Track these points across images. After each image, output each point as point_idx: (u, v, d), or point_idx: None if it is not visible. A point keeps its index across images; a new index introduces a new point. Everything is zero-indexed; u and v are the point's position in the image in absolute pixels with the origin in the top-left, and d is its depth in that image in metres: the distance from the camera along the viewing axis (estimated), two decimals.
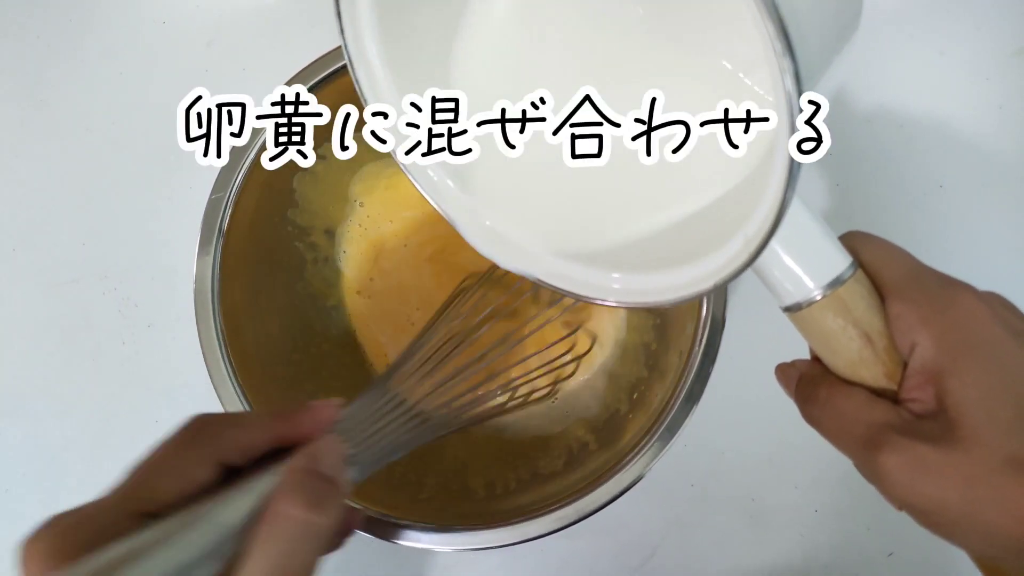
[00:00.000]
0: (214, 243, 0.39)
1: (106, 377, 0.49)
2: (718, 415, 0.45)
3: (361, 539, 0.38)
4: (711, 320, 0.38)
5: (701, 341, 0.38)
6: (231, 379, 0.38)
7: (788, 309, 0.26)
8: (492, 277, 0.43)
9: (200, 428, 0.24)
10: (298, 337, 0.46)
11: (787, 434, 0.46)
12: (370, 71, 0.30)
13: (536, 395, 0.45)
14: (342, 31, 0.28)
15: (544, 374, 0.45)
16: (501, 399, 0.43)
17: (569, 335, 0.45)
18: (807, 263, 0.24)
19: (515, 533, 0.37)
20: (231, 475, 0.24)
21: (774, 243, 0.23)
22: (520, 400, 0.44)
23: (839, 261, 0.24)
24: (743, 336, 0.43)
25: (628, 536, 0.47)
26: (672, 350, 0.41)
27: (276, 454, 0.25)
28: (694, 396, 0.38)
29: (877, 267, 0.25)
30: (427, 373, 0.33)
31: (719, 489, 0.47)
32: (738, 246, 0.22)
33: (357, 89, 0.30)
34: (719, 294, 0.39)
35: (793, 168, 0.20)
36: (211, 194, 0.39)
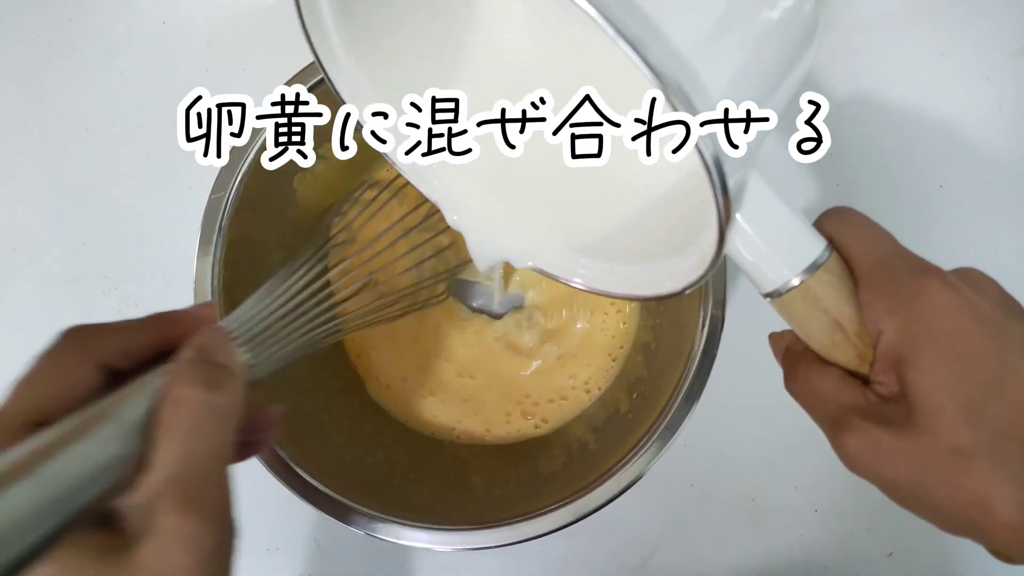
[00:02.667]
0: (214, 243, 0.39)
1: None
2: (718, 415, 0.45)
3: (361, 539, 0.38)
4: (711, 320, 0.38)
5: (701, 341, 0.38)
6: None
7: (767, 295, 0.26)
8: (393, 186, 0.43)
9: (75, 334, 0.24)
10: None
11: (787, 434, 0.46)
12: (349, 81, 0.31)
13: (433, 300, 0.45)
14: (312, 45, 0.29)
15: (440, 281, 0.45)
16: (394, 304, 0.42)
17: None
18: (778, 255, 0.25)
19: (515, 533, 0.37)
20: (118, 381, 0.23)
21: (750, 232, 0.25)
22: (417, 304, 0.44)
23: (811, 251, 0.25)
24: (743, 336, 0.43)
25: (628, 536, 0.47)
26: (672, 350, 0.41)
27: (162, 360, 0.24)
28: (694, 396, 0.38)
29: (850, 251, 0.25)
30: (315, 277, 0.32)
31: (719, 489, 0.47)
32: (695, 259, 0.24)
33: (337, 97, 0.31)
34: (719, 293, 0.39)
35: (719, 205, 0.21)
36: (211, 194, 0.39)
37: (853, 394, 0.25)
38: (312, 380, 0.45)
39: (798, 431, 0.47)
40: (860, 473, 0.24)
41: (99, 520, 0.21)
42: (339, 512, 0.38)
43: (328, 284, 0.34)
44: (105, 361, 0.23)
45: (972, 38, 0.50)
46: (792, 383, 0.27)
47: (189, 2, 0.52)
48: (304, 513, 0.47)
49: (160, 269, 0.50)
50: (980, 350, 0.22)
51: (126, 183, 0.51)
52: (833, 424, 0.25)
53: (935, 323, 0.22)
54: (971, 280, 0.24)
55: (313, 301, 0.31)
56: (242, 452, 0.26)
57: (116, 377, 0.23)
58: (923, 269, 0.24)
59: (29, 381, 0.23)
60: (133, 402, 0.22)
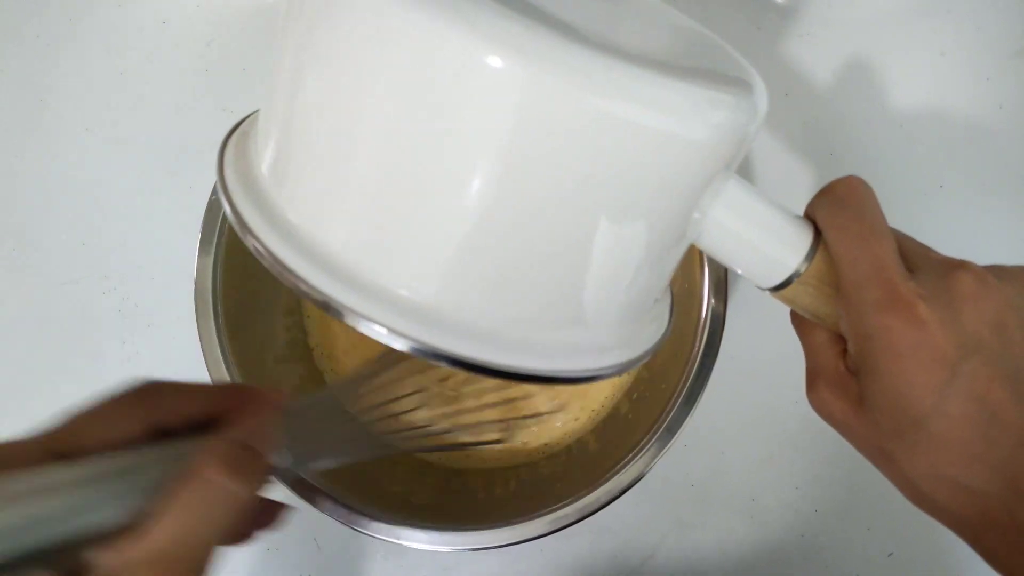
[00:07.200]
0: (214, 243, 0.39)
1: (106, 377, 0.49)
2: (718, 415, 0.45)
3: (361, 539, 0.38)
4: (711, 320, 0.38)
5: (701, 341, 0.38)
6: (231, 379, 0.38)
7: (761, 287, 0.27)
8: None
9: (141, 388, 0.24)
10: (299, 337, 0.46)
11: (787, 434, 0.46)
12: None
13: (485, 437, 0.44)
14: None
15: (497, 422, 0.44)
16: (449, 435, 0.40)
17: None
18: (756, 266, 0.25)
19: (515, 533, 0.37)
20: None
21: (728, 244, 0.25)
22: (470, 442, 0.43)
23: (789, 264, 0.25)
24: (743, 336, 0.43)
25: (628, 536, 0.47)
26: (672, 350, 0.41)
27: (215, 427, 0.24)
28: (694, 396, 0.38)
29: (834, 257, 0.24)
30: (380, 395, 0.32)
31: (719, 489, 0.47)
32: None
33: None
34: (720, 293, 0.39)
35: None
36: (211, 194, 0.39)
37: (828, 359, 0.26)
38: (314, 381, 0.45)
39: (798, 431, 0.47)
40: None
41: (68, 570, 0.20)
42: (339, 512, 0.38)
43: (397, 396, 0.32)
44: (158, 420, 0.23)
45: (972, 38, 0.50)
46: (793, 319, 0.28)
47: (189, 2, 0.52)
48: (304, 513, 0.48)
49: (160, 269, 0.50)
50: (920, 391, 0.23)
51: (126, 183, 0.51)
52: (808, 375, 0.27)
53: (882, 362, 0.23)
54: (954, 304, 0.23)
55: (381, 411, 0.30)
56: (234, 538, 0.26)
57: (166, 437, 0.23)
58: (891, 302, 0.23)
59: (79, 414, 0.23)
60: (152, 459, 0.22)
